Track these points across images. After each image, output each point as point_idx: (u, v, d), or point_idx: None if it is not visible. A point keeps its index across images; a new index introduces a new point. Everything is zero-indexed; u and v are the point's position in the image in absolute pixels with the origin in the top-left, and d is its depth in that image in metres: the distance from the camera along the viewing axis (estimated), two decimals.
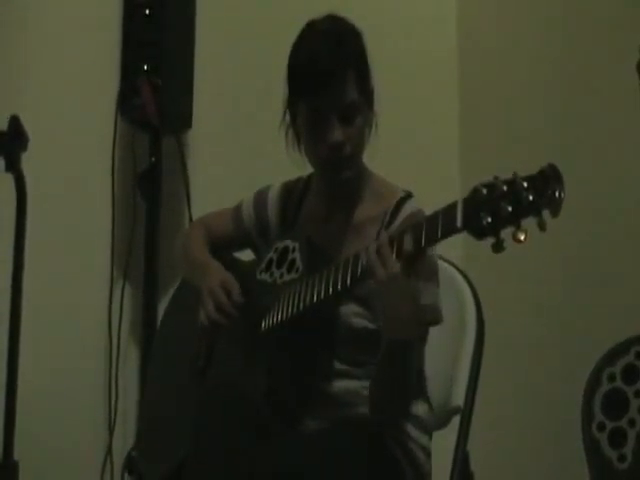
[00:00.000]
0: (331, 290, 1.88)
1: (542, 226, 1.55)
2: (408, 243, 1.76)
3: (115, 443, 3.10)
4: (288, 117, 2.08)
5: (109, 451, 3.09)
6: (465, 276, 2.36)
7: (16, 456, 2.00)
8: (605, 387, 2.47)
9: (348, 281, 1.85)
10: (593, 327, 2.98)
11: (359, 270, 1.83)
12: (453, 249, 2.84)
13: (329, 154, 2.01)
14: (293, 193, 2.22)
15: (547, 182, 1.55)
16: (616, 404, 2.45)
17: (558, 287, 3.17)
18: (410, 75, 3.56)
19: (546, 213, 1.55)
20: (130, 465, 2.93)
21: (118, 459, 3.09)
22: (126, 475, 2.99)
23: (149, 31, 3.09)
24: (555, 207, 1.55)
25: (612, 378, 2.47)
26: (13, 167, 2.02)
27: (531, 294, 3.25)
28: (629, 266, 2.92)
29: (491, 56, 3.56)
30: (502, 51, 3.52)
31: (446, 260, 2.31)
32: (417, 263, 1.81)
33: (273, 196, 2.24)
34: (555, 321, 3.16)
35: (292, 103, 2.06)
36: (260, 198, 2.26)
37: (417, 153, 3.51)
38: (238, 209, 2.28)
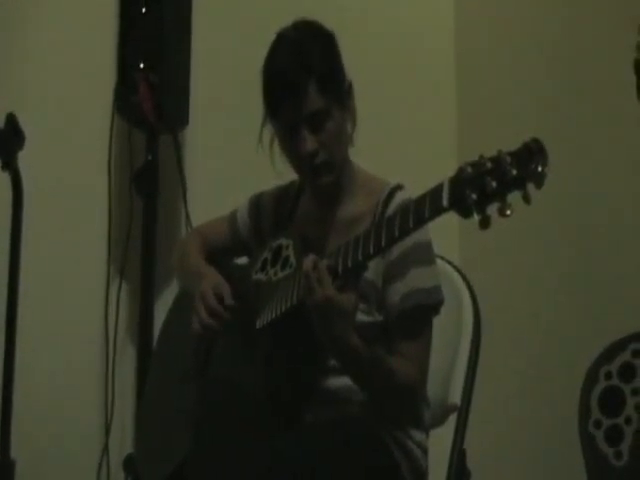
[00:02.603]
0: None
1: (527, 199, 1.56)
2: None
3: (111, 442, 3.10)
4: (271, 130, 2.10)
5: (105, 450, 3.08)
6: (462, 274, 2.36)
7: (12, 455, 2.00)
8: (602, 385, 2.48)
9: (340, 269, 1.85)
10: (590, 325, 2.98)
11: (349, 261, 1.84)
12: (450, 248, 2.84)
13: (305, 164, 2.04)
14: (287, 197, 2.25)
15: (531, 156, 1.57)
16: (613, 402, 2.45)
17: (555, 285, 3.17)
18: (408, 68, 3.57)
19: (531, 186, 1.56)
20: (128, 466, 2.92)
21: (114, 458, 3.09)
22: (124, 476, 2.99)
23: (146, 28, 3.08)
24: (539, 180, 1.56)
25: (609, 376, 2.47)
26: (9, 165, 2.02)
27: (528, 292, 3.25)
28: (626, 264, 2.92)
29: (488, 46, 3.57)
30: (499, 44, 3.52)
31: (443, 258, 2.31)
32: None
33: (267, 201, 2.27)
34: (552, 319, 3.16)
35: (268, 116, 2.08)
36: (254, 204, 2.29)
37: (416, 148, 3.52)
38: (233, 216, 2.31)
